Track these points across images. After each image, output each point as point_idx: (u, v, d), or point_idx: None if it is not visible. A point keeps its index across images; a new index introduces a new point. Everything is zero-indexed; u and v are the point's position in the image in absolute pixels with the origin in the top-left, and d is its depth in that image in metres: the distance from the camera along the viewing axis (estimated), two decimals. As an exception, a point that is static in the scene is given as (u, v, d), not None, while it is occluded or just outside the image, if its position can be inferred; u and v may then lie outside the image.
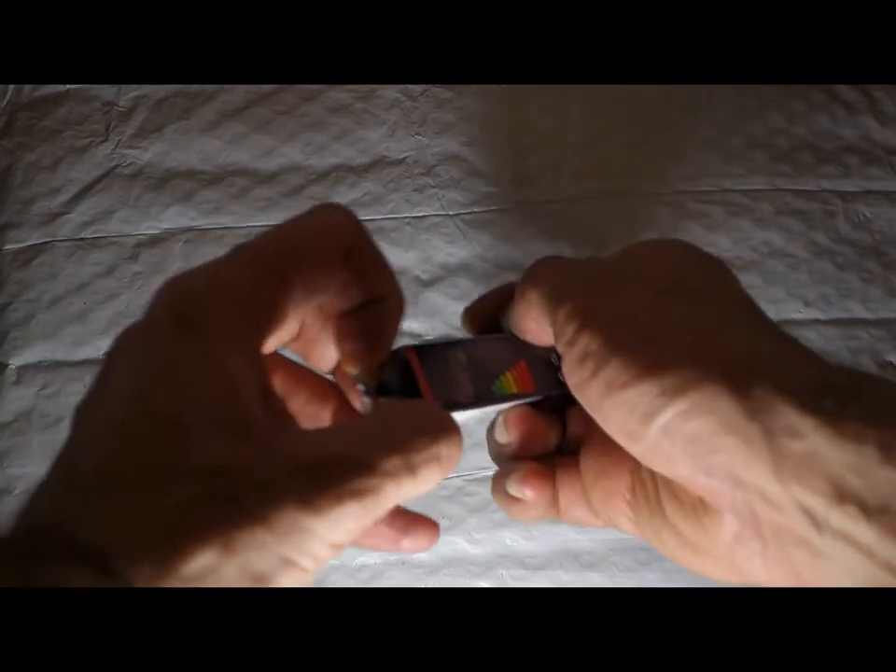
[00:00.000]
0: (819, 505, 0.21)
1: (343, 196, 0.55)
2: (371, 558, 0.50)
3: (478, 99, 0.56)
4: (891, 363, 0.53)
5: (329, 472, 0.20)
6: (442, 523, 0.50)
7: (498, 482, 0.32)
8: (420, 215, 0.55)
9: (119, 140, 0.56)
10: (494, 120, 0.56)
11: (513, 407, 0.33)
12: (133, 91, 0.57)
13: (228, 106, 0.57)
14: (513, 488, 0.31)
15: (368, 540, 0.28)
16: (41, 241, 0.55)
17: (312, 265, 0.25)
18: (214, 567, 0.19)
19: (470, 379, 0.39)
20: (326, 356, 0.28)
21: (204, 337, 0.21)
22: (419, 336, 0.53)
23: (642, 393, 0.23)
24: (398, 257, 0.53)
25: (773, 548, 0.23)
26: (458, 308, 0.53)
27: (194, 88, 0.57)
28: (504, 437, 0.32)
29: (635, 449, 0.24)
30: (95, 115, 0.57)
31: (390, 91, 0.57)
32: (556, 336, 0.27)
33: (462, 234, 0.54)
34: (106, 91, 0.57)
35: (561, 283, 0.28)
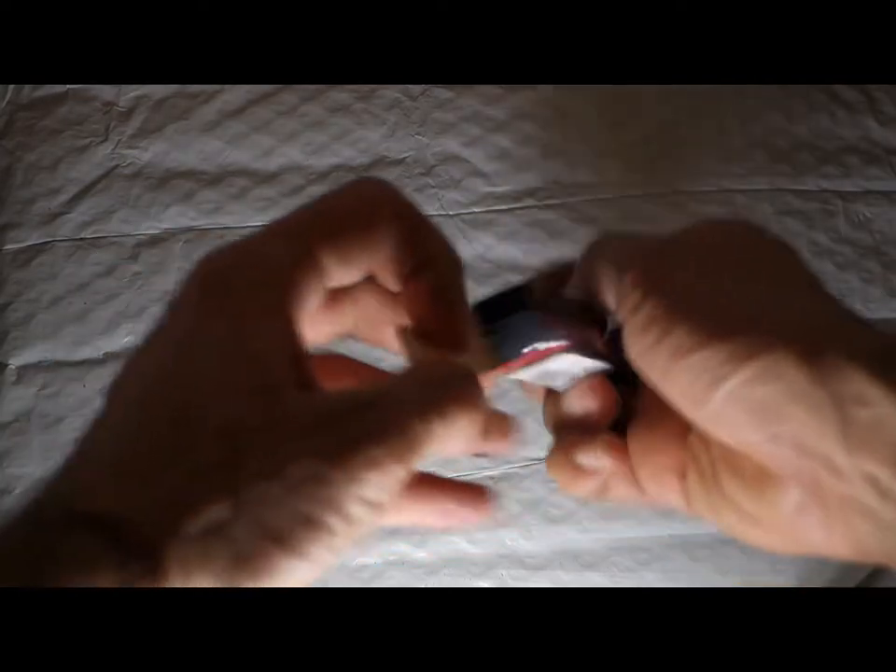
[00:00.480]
0: (885, 475, 0.21)
1: (342, 196, 0.55)
2: (370, 558, 0.50)
3: (478, 99, 0.56)
4: (891, 363, 0.53)
5: (346, 420, 0.19)
6: (442, 523, 0.50)
7: (562, 452, 0.30)
8: (420, 215, 0.55)
9: (119, 140, 0.56)
10: (493, 121, 0.56)
11: (590, 376, 0.32)
12: (132, 92, 0.57)
13: (228, 106, 0.57)
14: (589, 458, 0.29)
15: (426, 517, 0.27)
16: (41, 241, 0.55)
17: (347, 232, 0.24)
18: (223, 523, 0.18)
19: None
20: (389, 336, 0.27)
21: (230, 304, 0.21)
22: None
23: (709, 358, 0.23)
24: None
25: (837, 518, 0.22)
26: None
27: (194, 88, 0.57)
28: (581, 405, 0.31)
29: (698, 415, 0.24)
30: (95, 115, 0.57)
31: (390, 91, 0.57)
32: (620, 304, 0.26)
33: (462, 234, 0.54)
34: (106, 91, 0.57)
35: (627, 252, 0.27)
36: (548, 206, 0.54)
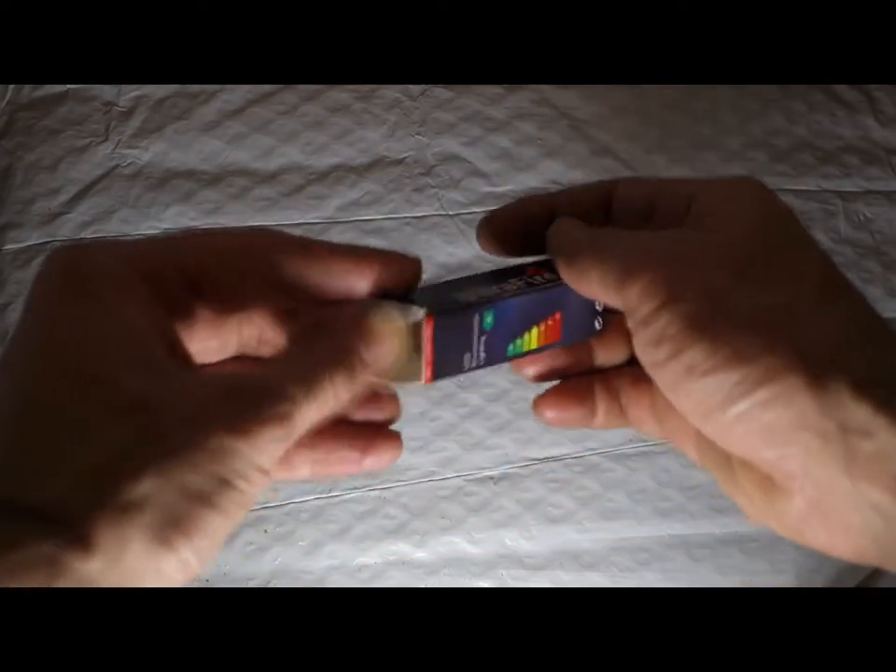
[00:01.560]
0: (888, 501, 0.21)
1: (342, 196, 0.55)
2: (370, 558, 0.50)
3: (478, 99, 0.56)
4: (891, 363, 0.53)
5: (253, 398, 0.22)
6: (442, 523, 0.50)
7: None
8: (420, 215, 0.55)
9: (119, 140, 0.56)
10: (493, 121, 0.56)
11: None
12: (133, 91, 0.57)
13: (228, 106, 0.57)
14: (538, 411, 0.31)
15: (331, 467, 0.28)
16: (41, 241, 0.55)
17: (232, 260, 0.25)
18: (154, 492, 0.20)
19: (488, 341, 0.40)
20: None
21: (97, 289, 0.23)
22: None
23: (722, 381, 0.23)
24: (398, 257, 0.53)
25: (839, 530, 0.23)
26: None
27: (194, 88, 0.57)
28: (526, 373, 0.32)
29: (707, 428, 0.24)
30: (95, 115, 0.57)
31: (390, 91, 0.57)
32: (627, 312, 0.26)
33: (462, 234, 0.54)
34: (106, 91, 0.57)
35: (631, 253, 0.26)
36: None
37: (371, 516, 0.50)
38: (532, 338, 0.40)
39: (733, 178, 0.29)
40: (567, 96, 0.57)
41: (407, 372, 0.38)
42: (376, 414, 0.28)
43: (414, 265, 0.28)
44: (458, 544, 0.50)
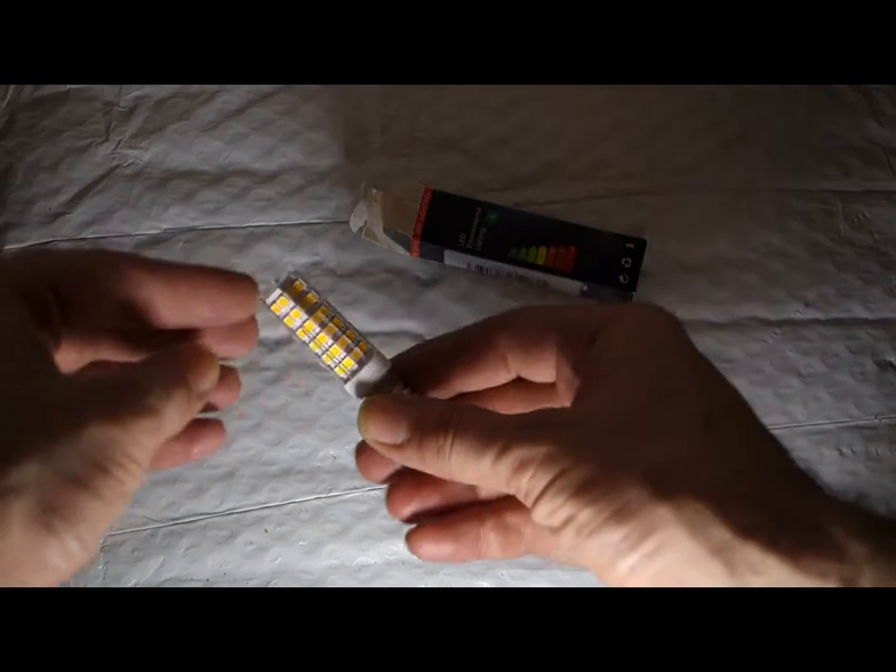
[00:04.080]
0: None
1: (342, 197, 0.55)
2: (370, 558, 0.50)
3: (475, 99, 0.56)
4: (891, 363, 0.53)
5: (126, 391, 0.24)
6: (442, 522, 0.50)
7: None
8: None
9: (120, 140, 0.56)
10: (491, 121, 0.56)
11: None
12: (133, 92, 0.57)
13: (228, 107, 0.57)
14: (412, 547, 0.31)
15: (165, 461, 0.30)
16: (42, 241, 0.55)
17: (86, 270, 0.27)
18: (35, 476, 0.21)
19: (488, 235, 0.48)
20: None
21: None
22: (419, 336, 0.53)
23: (609, 538, 0.24)
24: (397, 257, 0.53)
25: None
26: (458, 308, 0.53)
27: (194, 88, 0.57)
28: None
29: (607, 579, 0.25)
30: (96, 115, 0.57)
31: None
32: (520, 497, 0.26)
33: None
34: (107, 91, 0.57)
35: (499, 427, 0.27)
36: (548, 206, 0.54)
37: (371, 516, 0.50)
38: (540, 254, 0.49)
39: (634, 312, 0.30)
40: (567, 96, 0.57)
41: (404, 225, 0.50)
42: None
43: (249, 286, 0.29)
44: (458, 544, 0.50)
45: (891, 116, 0.56)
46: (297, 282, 0.30)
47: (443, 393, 0.32)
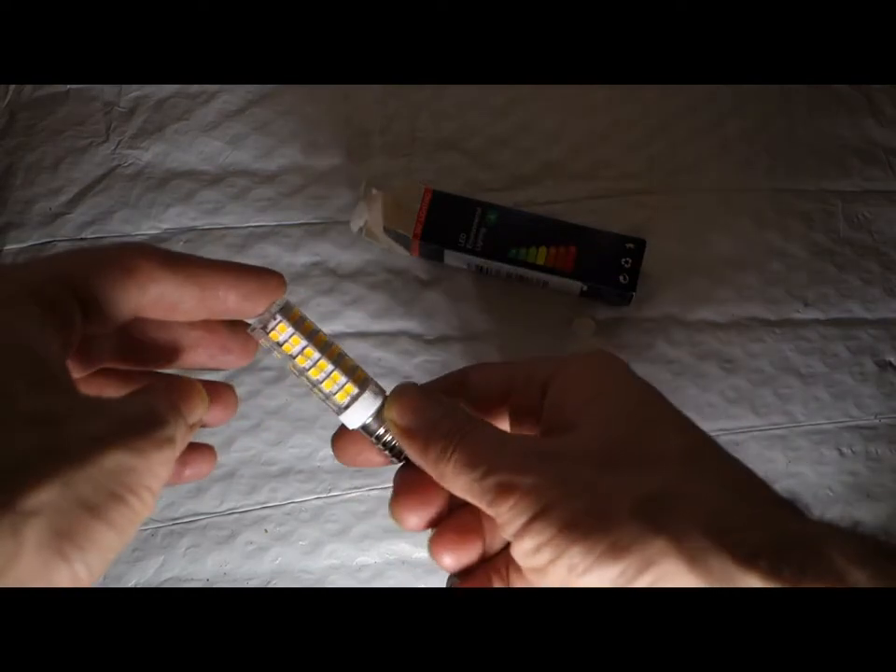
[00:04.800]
0: None
1: (342, 197, 0.55)
2: (370, 558, 0.50)
3: (475, 99, 0.56)
4: (891, 363, 0.53)
5: (148, 422, 0.24)
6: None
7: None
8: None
9: (120, 140, 0.56)
10: (491, 121, 0.56)
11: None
12: (133, 92, 0.57)
13: (228, 107, 0.57)
14: (435, 556, 0.31)
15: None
16: (42, 241, 0.55)
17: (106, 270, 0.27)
18: (52, 501, 0.21)
19: (488, 235, 0.48)
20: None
21: None
22: (418, 336, 0.53)
23: (604, 575, 0.24)
24: (397, 257, 0.53)
25: None
26: (458, 308, 0.53)
27: (194, 88, 0.57)
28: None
29: None
30: (96, 115, 0.57)
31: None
32: (499, 524, 0.26)
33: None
34: (107, 91, 0.57)
35: (491, 451, 0.27)
36: (548, 206, 0.54)
37: (371, 516, 0.50)
38: (540, 254, 0.49)
39: (583, 357, 0.30)
40: (567, 96, 0.57)
41: (404, 225, 0.51)
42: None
43: (276, 280, 0.30)
44: (458, 544, 0.50)
45: (891, 116, 0.56)
46: (294, 308, 0.30)
47: None
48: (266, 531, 0.50)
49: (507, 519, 0.26)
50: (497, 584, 0.30)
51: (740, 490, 0.26)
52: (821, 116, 0.56)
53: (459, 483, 0.27)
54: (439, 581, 0.50)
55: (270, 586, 0.49)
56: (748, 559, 0.23)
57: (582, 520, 0.24)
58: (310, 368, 0.30)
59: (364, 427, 0.31)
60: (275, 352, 0.30)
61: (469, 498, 0.27)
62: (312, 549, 0.50)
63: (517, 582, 0.29)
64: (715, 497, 0.25)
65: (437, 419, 0.29)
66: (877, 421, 0.52)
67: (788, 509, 0.26)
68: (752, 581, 0.23)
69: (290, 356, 0.30)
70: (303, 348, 0.30)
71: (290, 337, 0.30)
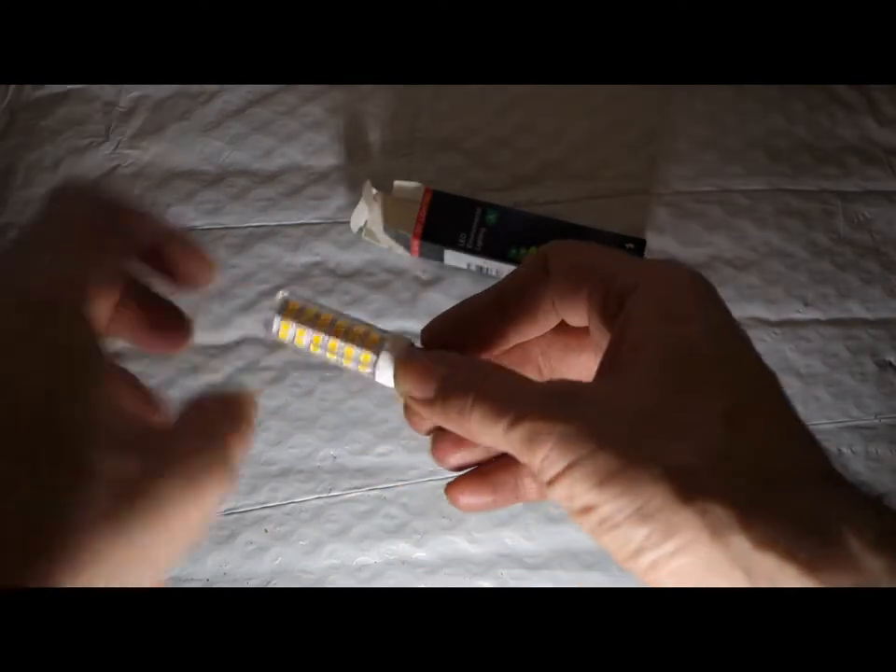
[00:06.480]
0: None
1: (343, 197, 0.55)
2: (370, 558, 0.50)
3: (475, 99, 0.57)
4: (891, 363, 0.53)
5: (210, 463, 0.23)
6: (442, 522, 0.50)
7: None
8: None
9: (120, 140, 0.56)
10: (492, 121, 0.56)
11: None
12: (133, 92, 0.57)
13: (228, 107, 0.57)
14: (450, 497, 0.31)
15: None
16: (42, 241, 0.55)
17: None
18: (108, 551, 0.20)
19: (488, 235, 0.48)
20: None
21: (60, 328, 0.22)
22: (418, 336, 0.53)
23: (632, 534, 0.24)
24: (397, 257, 0.54)
25: None
26: (458, 308, 0.53)
27: (195, 88, 0.57)
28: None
29: (626, 567, 0.25)
30: (96, 115, 0.57)
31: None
32: (531, 467, 0.26)
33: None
34: (107, 91, 0.57)
35: (517, 399, 0.26)
36: (548, 206, 0.54)
37: (371, 516, 0.50)
38: None
39: (671, 272, 0.28)
40: (567, 96, 0.57)
41: (404, 225, 0.51)
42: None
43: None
44: (458, 544, 0.50)
45: (891, 116, 0.56)
46: (291, 301, 0.30)
47: (494, 351, 0.31)
48: (266, 531, 0.50)
49: (539, 469, 0.25)
50: (527, 476, 0.30)
51: (777, 460, 0.25)
52: (821, 116, 0.56)
53: (488, 438, 0.27)
54: (439, 580, 0.50)
55: (270, 586, 0.49)
56: (765, 541, 0.23)
57: (614, 478, 0.24)
58: (326, 353, 0.30)
59: None
60: (295, 350, 0.30)
61: (501, 449, 0.27)
62: (312, 549, 0.50)
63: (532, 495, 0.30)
64: (746, 471, 0.25)
65: (446, 377, 0.28)
66: (877, 421, 0.52)
67: (822, 481, 0.25)
68: (769, 562, 0.23)
69: (305, 349, 0.30)
70: (312, 337, 0.29)
71: (296, 330, 0.29)
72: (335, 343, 0.30)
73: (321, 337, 0.30)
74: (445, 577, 0.50)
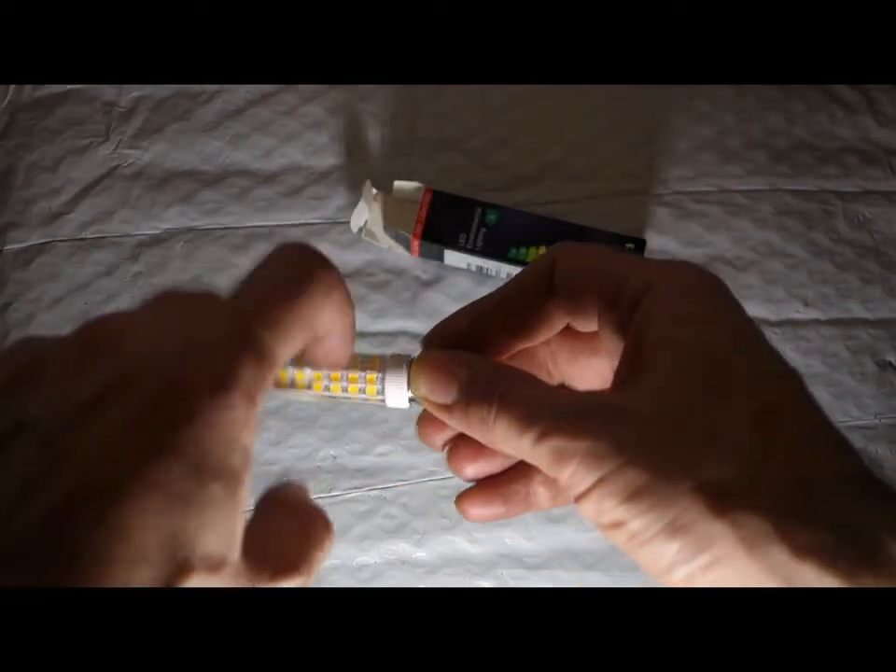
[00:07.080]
0: None
1: (343, 197, 0.55)
2: (370, 558, 0.50)
3: (475, 99, 0.57)
4: (891, 363, 0.53)
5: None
6: (442, 522, 0.50)
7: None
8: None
9: (120, 140, 0.56)
10: (492, 121, 0.56)
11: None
12: (133, 92, 0.57)
13: (228, 107, 0.57)
14: (460, 509, 0.31)
15: None
16: (42, 241, 0.55)
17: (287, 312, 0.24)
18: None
19: (488, 234, 0.48)
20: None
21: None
22: (418, 336, 0.53)
23: (664, 549, 0.24)
24: (398, 257, 0.53)
25: None
26: (458, 308, 0.53)
27: (195, 88, 0.57)
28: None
29: (660, 581, 0.25)
30: (96, 115, 0.57)
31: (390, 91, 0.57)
32: (559, 482, 0.25)
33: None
34: (107, 91, 0.57)
35: (541, 413, 0.25)
36: (548, 206, 0.54)
37: (371, 516, 0.50)
38: (537, 252, 0.49)
39: (684, 272, 0.27)
40: (567, 96, 0.57)
41: (404, 225, 0.51)
42: None
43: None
44: (458, 544, 0.50)
45: (891, 116, 0.56)
46: None
47: (499, 358, 0.30)
48: (266, 531, 0.50)
49: (567, 485, 0.25)
50: (540, 485, 0.30)
51: (811, 465, 0.24)
52: (821, 116, 0.56)
53: (511, 449, 0.26)
54: (439, 580, 0.50)
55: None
56: (804, 550, 0.22)
57: (644, 493, 0.24)
58: (329, 383, 0.28)
59: (414, 400, 0.29)
60: (300, 396, 0.28)
61: (529, 461, 0.26)
62: (312, 549, 0.50)
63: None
64: (780, 477, 0.24)
65: (467, 382, 0.27)
66: (877, 421, 0.52)
67: (860, 486, 0.24)
68: (808, 572, 0.22)
69: (308, 389, 0.28)
70: (312, 376, 0.28)
71: (294, 374, 0.28)
72: (336, 373, 0.28)
73: (321, 375, 0.28)
74: (445, 577, 0.50)
